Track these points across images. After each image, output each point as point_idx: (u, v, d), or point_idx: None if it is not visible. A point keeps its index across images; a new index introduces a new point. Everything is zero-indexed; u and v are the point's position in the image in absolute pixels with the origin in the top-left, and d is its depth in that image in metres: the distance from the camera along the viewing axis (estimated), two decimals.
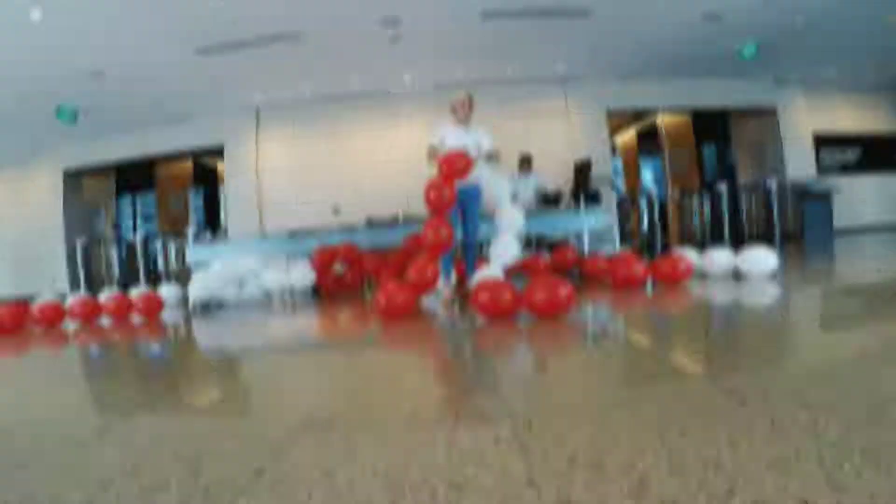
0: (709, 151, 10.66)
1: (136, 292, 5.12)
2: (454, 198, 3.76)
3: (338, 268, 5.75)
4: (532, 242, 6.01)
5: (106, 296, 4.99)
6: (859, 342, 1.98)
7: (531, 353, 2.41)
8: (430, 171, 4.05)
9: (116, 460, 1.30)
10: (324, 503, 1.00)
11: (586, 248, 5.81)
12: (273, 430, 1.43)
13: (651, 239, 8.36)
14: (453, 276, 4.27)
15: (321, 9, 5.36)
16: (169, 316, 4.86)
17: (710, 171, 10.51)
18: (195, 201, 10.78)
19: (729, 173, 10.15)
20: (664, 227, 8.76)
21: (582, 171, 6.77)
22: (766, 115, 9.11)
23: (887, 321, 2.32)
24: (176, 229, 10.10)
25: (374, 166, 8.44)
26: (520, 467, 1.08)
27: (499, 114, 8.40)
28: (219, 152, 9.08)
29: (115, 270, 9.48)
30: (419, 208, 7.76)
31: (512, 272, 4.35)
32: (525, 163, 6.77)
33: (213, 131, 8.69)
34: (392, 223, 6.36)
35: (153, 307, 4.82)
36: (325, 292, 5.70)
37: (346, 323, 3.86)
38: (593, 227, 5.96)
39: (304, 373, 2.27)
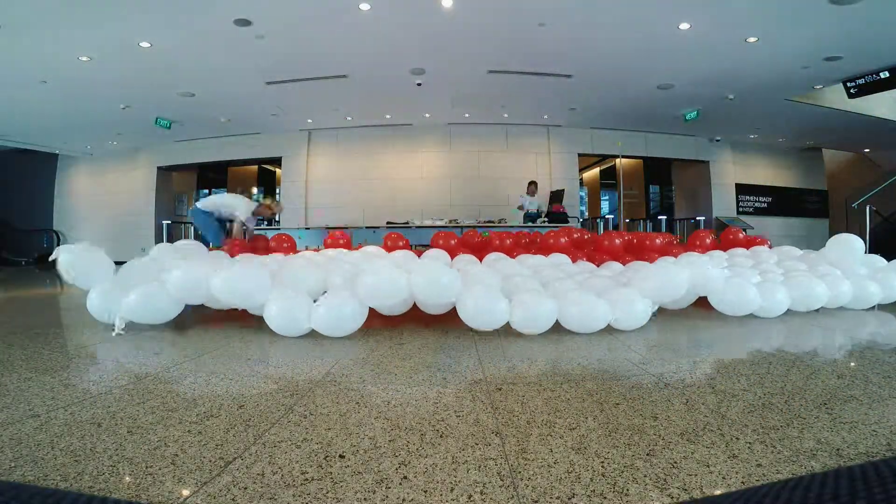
0: (654, 190, 10.67)
1: None
2: None
3: None
4: None
5: None
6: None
7: None
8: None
9: (180, 392, 1.30)
10: (338, 437, 1.00)
11: None
12: (301, 378, 1.43)
13: None
14: None
15: (365, 57, 5.34)
16: None
17: (654, 205, 10.52)
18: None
19: (669, 208, 10.16)
20: None
21: (556, 196, 6.76)
22: (700, 166, 9.10)
23: None
24: None
25: (397, 182, 8.40)
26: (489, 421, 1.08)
27: (495, 149, 8.40)
28: (277, 161, 9.06)
29: None
30: (429, 217, 7.81)
31: None
32: (532, 185, 6.79)
33: (274, 145, 8.64)
34: (406, 226, 6.35)
35: None
36: None
37: None
38: None
39: None
